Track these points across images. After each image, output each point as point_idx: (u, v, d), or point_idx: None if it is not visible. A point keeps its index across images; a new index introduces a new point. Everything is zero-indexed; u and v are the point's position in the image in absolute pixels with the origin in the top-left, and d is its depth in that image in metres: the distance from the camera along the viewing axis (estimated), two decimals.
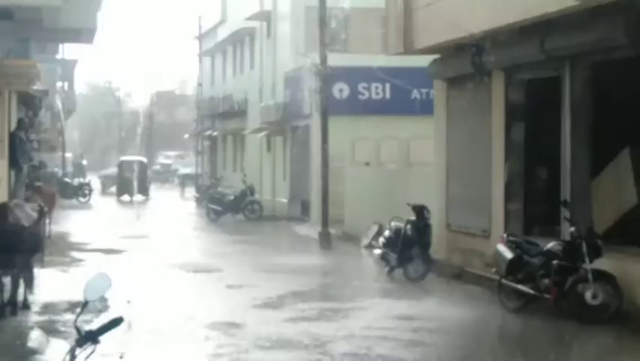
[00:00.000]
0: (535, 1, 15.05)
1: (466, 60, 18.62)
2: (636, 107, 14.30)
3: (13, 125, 22.59)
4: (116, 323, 5.09)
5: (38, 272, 16.28)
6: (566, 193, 15.92)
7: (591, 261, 13.81)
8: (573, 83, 15.97)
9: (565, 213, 15.13)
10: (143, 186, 50.91)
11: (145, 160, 57.27)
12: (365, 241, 24.38)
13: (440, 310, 15.09)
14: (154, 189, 55.85)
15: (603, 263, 14.00)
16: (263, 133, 39.67)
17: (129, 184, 50.42)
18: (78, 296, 9.19)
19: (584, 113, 15.95)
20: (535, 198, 18.02)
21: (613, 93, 15.86)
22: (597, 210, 15.92)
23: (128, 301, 14.68)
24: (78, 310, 5.32)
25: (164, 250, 24.53)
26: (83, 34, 24.40)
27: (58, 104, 42.54)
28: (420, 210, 18.67)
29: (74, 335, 5.11)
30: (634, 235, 14.53)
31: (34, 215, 14.67)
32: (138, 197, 49.93)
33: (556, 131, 16.27)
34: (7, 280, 14.00)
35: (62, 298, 15.44)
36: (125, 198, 49.91)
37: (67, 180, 48.68)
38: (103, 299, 13.62)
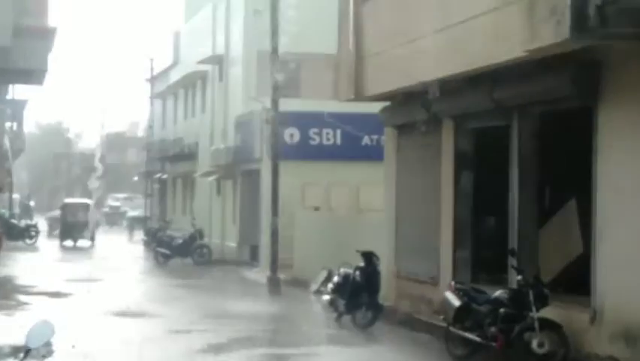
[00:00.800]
0: (484, 50, 15.18)
1: (417, 108, 18.74)
2: (582, 158, 14.45)
3: None
4: None
5: None
6: (513, 242, 16.01)
7: (538, 309, 13.87)
8: (521, 133, 16.11)
9: (512, 261, 15.21)
10: (88, 231, 47.56)
11: (90, 202, 54.93)
12: (314, 287, 24.32)
13: (388, 357, 15.06)
14: (102, 232, 55.07)
15: (550, 312, 14.07)
16: (213, 177, 39.58)
17: (73, 228, 47.17)
18: (23, 340, 9.03)
19: (532, 162, 16.10)
20: (483, 247, 18.10)
21: (560, 143, 16.03)
22: (544, 258, 16.03)
23: (73, 346, 14.48)
24: (21, 355, 5.24)
25: (110, 295, 24.27)
26: (33, 75, 24.26)
27: (7, 144, 42.14)
28: (369, 257, 18.67)
29: None
30: (580, 284, 14.63)
31: None
32: (83, 242, 46.98)
33: (505, 180, 16.39)
34: None
35: (6, 342, 15.20)
36: (69, 243, 46.93)
37: (13, 221, 48.11)
38: (48, 344, 13.41)
